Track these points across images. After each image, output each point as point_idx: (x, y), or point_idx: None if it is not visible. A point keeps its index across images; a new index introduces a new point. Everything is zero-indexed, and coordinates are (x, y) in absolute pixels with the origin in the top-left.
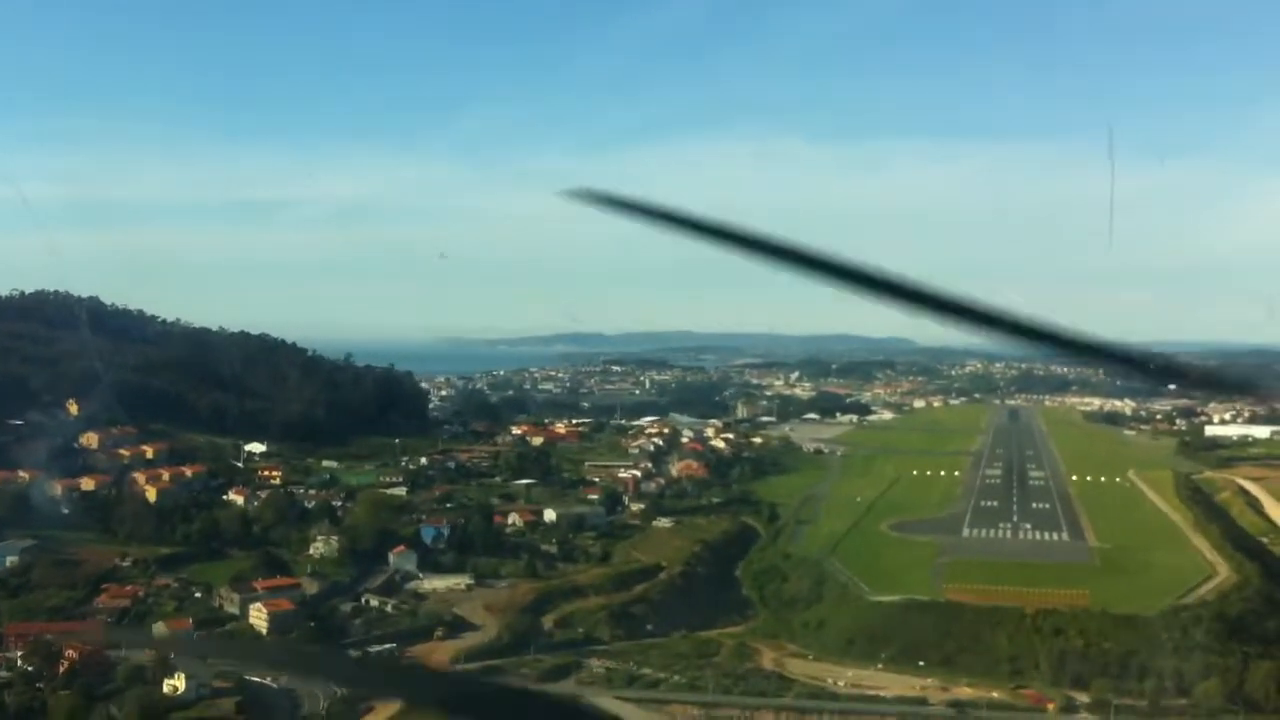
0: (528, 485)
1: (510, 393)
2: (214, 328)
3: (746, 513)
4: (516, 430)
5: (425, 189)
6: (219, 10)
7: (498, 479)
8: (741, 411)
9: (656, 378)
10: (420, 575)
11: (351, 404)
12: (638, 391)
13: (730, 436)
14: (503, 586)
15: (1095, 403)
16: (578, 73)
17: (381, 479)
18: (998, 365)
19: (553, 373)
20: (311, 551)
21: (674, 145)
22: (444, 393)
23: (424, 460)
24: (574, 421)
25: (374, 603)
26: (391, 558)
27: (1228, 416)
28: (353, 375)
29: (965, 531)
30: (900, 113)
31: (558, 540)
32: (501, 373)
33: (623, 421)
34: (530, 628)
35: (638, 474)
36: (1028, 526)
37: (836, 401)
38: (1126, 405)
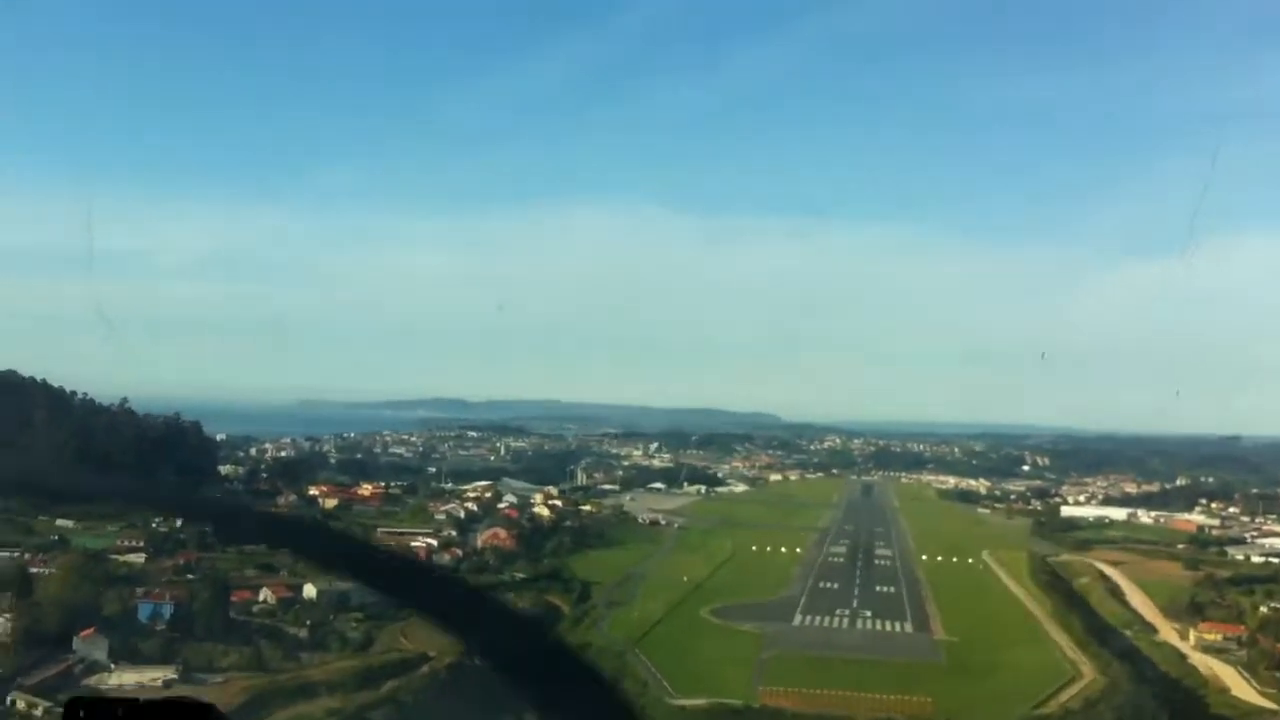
0: None
1: (358, 455)
2: None
3: (554, 591)
4: (314, 491)
5: (289, 243)
6: (61, 46)
7: (263, 546)
8: (581, 479)
9: (513, 444)
10: (111, 666)
11: (113, 456)
12: (492, 458)
13: (557, 504)
14: (215, 682)
15: (950, 480)
16: (443, 131)
17: (121, 543)
18: (856, 441)
19: (406, 437)
20: None
21: (543, 207)
22: (283, 454)
23: (179, 523)
24: (383, 484)
25: (20, 705)
26: (76, 643)
27: (1083, 498)
28: (109, 421)
29: (797, 619)
30: (764, 189)
31: (312, 622)
32: (352, 435)
33: (446, 485)
34: None
35: (433, 543)
36: (868, 614)
37: (689, 472)
38: (981, 484)
